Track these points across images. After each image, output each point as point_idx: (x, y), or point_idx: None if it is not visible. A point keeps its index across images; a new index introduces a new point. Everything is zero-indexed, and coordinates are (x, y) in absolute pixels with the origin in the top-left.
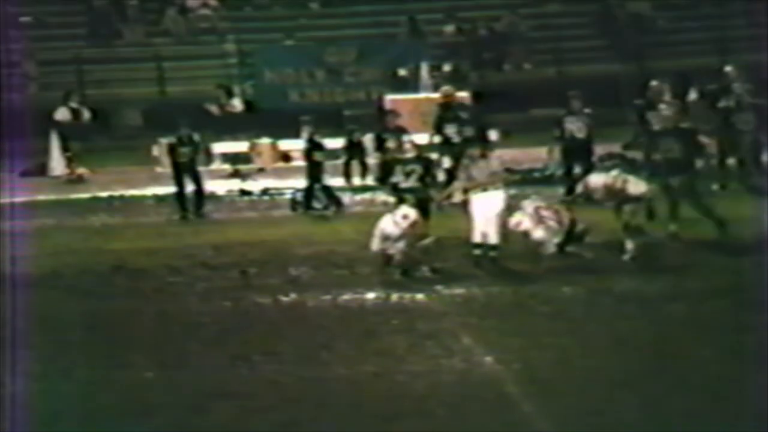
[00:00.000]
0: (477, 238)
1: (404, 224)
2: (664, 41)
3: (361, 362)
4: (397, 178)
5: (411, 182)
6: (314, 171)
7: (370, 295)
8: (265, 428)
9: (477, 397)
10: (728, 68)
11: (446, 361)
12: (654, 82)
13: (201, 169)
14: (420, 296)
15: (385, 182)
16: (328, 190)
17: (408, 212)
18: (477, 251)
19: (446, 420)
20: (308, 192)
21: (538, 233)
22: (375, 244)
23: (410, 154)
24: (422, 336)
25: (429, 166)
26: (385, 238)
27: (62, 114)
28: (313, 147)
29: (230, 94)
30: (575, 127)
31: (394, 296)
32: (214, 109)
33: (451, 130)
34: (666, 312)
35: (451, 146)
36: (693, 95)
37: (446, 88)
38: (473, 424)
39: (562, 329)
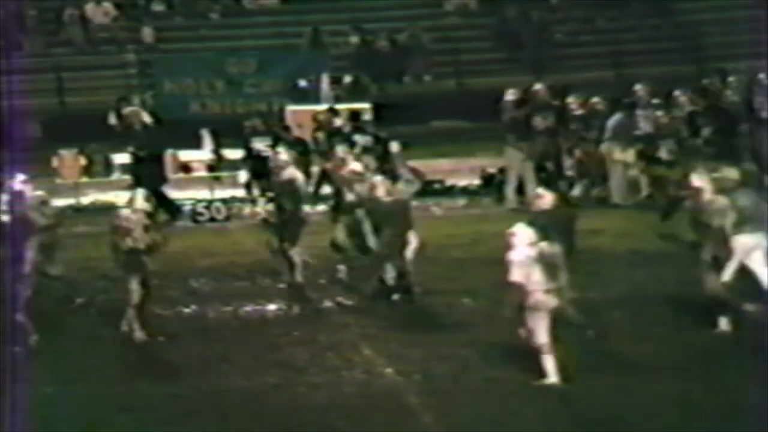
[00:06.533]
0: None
1: None
2: (561, 54)
3: (262, 374)
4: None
5: None
6: None
7: (271, 307)
8: None
9: (378, 409)
10: (538, 86)
11: (347, 373)
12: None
13: (102, 180)
14: (321, 308)
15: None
16: None
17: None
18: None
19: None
20: None
21: None
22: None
23: None
24: (323, 347)
25: None
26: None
27: None
28: None
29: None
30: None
31: (295, 308)
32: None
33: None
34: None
35: None
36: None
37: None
38: None
39: (462, 340)
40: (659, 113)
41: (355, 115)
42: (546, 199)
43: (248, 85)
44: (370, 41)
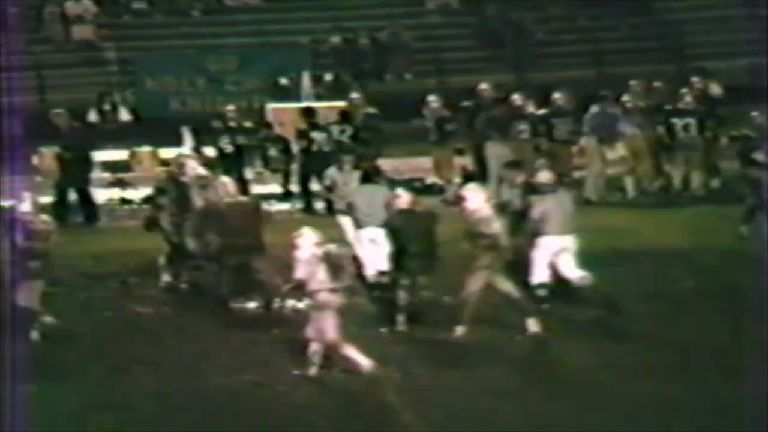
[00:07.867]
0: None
1: None
2: (543, 53)
3: (241, 372)
4: None
5: None
6: None
7: (251, 304)
8: None
9: (358, 406)
10: (483, 86)
11: (327, 371)
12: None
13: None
14: (300, 305)
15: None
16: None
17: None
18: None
19: (327, 429)
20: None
21: None
22: None
23: None
24: (303, 345)
25: None
26: None
27: None
28: None
29: (113, 104)
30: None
31: (275, 305)
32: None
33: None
34: (545, 320)
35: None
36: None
37: None
38: None
39: (443, 338)
40: (755, 114)
41: (310, 112)
42: (403, 199)
43: (229, 82)
44: (352, 39)
